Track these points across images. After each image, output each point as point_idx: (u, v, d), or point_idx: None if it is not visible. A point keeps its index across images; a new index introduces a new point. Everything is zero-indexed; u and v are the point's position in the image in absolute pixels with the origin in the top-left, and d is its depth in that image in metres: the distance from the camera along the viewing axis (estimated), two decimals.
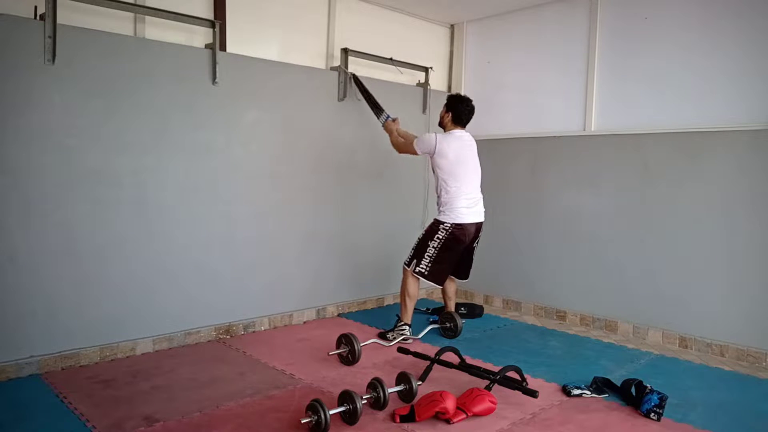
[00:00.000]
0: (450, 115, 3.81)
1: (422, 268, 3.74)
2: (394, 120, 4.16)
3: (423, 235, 3.81)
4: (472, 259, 4.01)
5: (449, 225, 3.70)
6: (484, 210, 3.85)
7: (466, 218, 3.72)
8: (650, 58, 4.08)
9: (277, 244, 4.12)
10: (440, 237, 3.71)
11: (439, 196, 3.80)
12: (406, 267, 3.82)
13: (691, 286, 3.85)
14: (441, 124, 3.88)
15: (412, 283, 3.81)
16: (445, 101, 3.87)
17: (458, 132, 3.81)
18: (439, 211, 3.78)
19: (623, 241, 4.17)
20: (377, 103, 4.30)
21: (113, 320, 3.37)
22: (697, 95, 3.86)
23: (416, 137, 3.86)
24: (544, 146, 4.67)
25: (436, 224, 3.75)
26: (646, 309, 4.06)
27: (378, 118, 4.28)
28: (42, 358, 3.13)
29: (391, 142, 4.08)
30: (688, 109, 3.90)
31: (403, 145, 3.95)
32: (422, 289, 5.12)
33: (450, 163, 3.70)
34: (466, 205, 3.72)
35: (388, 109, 4.33)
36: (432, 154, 3.73)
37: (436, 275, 3.76)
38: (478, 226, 3.82)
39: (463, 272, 4.04)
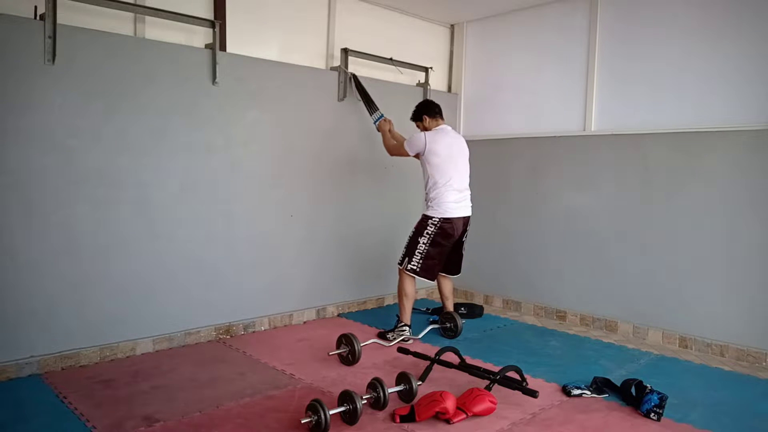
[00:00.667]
0: (426, 118, 3.91)
1: (414, 265, 3.77)
2: (386, 120, 4.22)
3: (413, 232, 3.85)
4: (462, 253, 4.05)
5: (438, 219, 3.75)
6: (471, 204, 3.92)
7: (454, 212, 3.77)
8: (650, 59, 4.08)
9: (277, 244, 4.12)
10: (429, 232, 3.76)
11: (428, 192, 3.85)
12: (399, 266, 3.85)
13: (691, 286, 3.85)
14: (424, 130, 3.92)
15: (408, 282, 3.83)
16: (414, 115, 3.99)
17: (443, 126, 3.91)
18: (428, 207, 3.84)
19: (623, 241, 4.17)
20: (372, 101, 4.34)
21: (113, 320, 3.37)
22: (697, 95, 3.86)
23: (406, 139, 3.92)
24: (544, 146, 4.67)
25: (425, 220, 3.80)
26: (646, 309, 4.06)
27: (371, 115, 4.32)
28: (42, 358, 3.13)
29: (384, 143, 4.16)
30: (687, 109, 3.90)
31: (395, 148, 4.04)
32: (422, 288, 5.14)
33: (442, 160, 3.76)
34: (455, 200, 3.78)
35: (389, 110, 4.34)
36: (423, 153, 3.78)
37: (428, 271, 3.80)
38: (466, 220, 3.88)
39: (454, 267, 4.07)
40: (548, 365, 3.44)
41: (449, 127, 3.94)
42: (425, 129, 3.92)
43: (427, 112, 3.92)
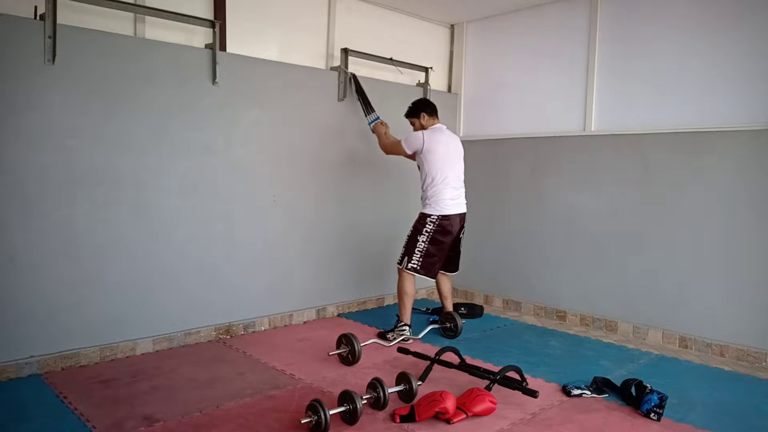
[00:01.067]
0: (424, 115, 3.95)
1: (414, 263, 3.78)
2: (383, 123, 4.24)
3: (411, 231, 3.87)
4: (459, 251, 4.07)
5: (436, 217, 3.78)
6: (465, 202, 3.96)
7: (451, 209, 3.81)
8: (650, 58, 4.08)
9: (278, 244, 4.12)
10: (428, 230, 3.78)
11: (425, 190, 3.87)
12: (399, 266, 3.85)
13: (691, 286, 3.85)
14: (420, 128, 3.95)
15: (408, 281, 3.84)
16: (410, 112, 4.02)
17: (439, 125, 3.95)
18: (425, 205, 3.86)
19: (623, 241, 4.17)
20: (369, 103, 4.36)
21: (113, 320, 3.37)
22: (697, 95, 3.87)
23: (402, 138, 3.95)
24: (544, 146, 4.67)
25: (423, 218, 3.82)
26: (646, 309, 4.06)
27: (366, 116, 4.34)
28: (42, 358, 3.13)
29: (380, 143, 4.20)
30: (687, 109, 3.90)
31: (391, 146, 4.07)
32: (422, 288, 5.14)
33: (439, 158, 3.80)
34: (452, 197, 3.82)
35: (389, 110, 4.34)
36: (421, 151, 3.81)
37: (428, 268, 3.82)
38: (463, 217, 3.92)
39: (452, 265, 4.09)
40: (548, 365, 3.44)
41: (444, 126, 3.96)
42: (421, 126, 3.95)
43: (425, 109, 3.97)
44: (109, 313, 3.35)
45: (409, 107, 4.03)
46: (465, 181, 3.98)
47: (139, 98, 3.40)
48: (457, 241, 3.98)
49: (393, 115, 4.33)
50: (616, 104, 4.29)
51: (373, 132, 4.29)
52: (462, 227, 3.95)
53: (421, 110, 3.96)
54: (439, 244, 3.82)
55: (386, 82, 4.76)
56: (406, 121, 4.10)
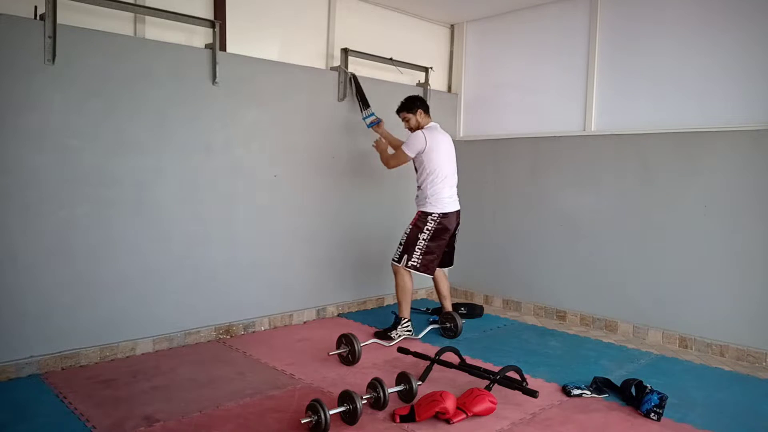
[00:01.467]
0: (421, 112, 3.94)
1: (414, 261, 3.79)
2: (379, 123, 4.25)
3: (411, 229, 3.86)
4: (454, 246, 4.10)
5: (437, 215, 3.80)
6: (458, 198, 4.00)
7: (450, 207, 3.85)
8: (651, 58, 4.08)
9: (278, 244, 4.12)
10: (429, 228, 3.80)
11: (423, 189, 3.87)
12: (396, 263, 3.86)
13: (691, 286, 3.85)
14: (416, 128, 3.93)
15: (406, 278, 3.85)
16: (406, 107, 3.96)
17: (434, 124, 3.96)
18: (426, 203, 3.85)
19: (623, 241, 4.17)
20: (368, 102, 4.36)
21: (113, 320, 3.37)
22: (698, 95, 3.87)
23: (403, 143, 3.93)
24: (544, 146, 4.67)
25: (424, 216, 3.83)
26: (646, 309, 4.06)
27: (362, 111, 4.34)
28: (42, 359, 3.13)
29: (382, 160, 4.14)
30: (688, 108, 3.90)
31: (393, 158, 4.02)
32: (422, 289, 5.15)
33: (440, 157, 3.81)
34: (449, 195, 3.86)
35: (389, 110, 4.33)
36: (423, 151, 3.81)
37: (427, 265, 3.83)
38: (458, 214, 3.95)
39: (448, 260, 4.11)
40: (548, 365, 3.44)
41: (438, 125, 3.97)
42: (417, 123, 3.93)
43: (422, 106, 3.96)
44: (108, 313, 3.35)
45: (404, 102, 3.98)
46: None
47: (139, 98, 3.40)
48: (453, 237, 4.00)
49: (393, 116, 4.32)
50: (616, 104, 4.29)
51: (377, 150, 4.22)
52: (458, 224, 3.97)
53: (419, 107, 3.94)
54: (439, 242, 3.83)
55: (386, 82, 4.76)
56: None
